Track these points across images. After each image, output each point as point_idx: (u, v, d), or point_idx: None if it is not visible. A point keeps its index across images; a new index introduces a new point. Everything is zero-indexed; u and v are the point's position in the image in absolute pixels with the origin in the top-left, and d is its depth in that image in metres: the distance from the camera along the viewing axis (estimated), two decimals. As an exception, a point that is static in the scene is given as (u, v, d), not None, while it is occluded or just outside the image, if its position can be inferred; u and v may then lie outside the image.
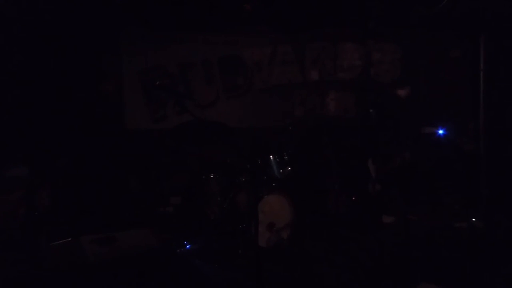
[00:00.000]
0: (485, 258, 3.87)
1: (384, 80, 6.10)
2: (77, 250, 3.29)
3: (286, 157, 4.56)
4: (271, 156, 4.55)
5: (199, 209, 4.48)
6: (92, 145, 5.02)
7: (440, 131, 5.44)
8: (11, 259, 3.18)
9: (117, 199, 4.90)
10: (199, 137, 4.55)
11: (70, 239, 3.40)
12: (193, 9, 5.39)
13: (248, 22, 5.64)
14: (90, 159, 4.97)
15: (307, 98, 6.02)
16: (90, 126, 5.13)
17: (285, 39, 5.96)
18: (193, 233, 4.31)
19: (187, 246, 4.00)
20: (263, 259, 3.66)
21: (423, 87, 5.93)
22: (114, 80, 5.45)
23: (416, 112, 5.84)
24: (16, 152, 4.46)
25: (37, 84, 4.92)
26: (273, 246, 4.15)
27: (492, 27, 5.17)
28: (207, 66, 5.80)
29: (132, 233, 3.67)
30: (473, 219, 4.77)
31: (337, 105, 6.08)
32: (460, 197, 5.09)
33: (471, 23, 5.32)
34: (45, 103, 4.95)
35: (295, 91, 6.02)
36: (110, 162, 5.08)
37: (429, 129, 5.56)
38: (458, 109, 5.71)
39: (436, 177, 5.38)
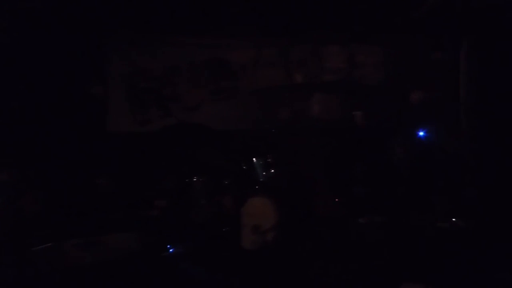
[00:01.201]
0: (467, 258, 3.92)
1: (368, 82, 6.16)
2: (60, 254, 3.28)
3: (270, 160, 4.58)
4: (254, 159, 4.57)
5: (183, 212, 4.48)
6: (75, 148, 4.99)
7: (423, 133, 5.52)
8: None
9: (100, 202, 4.87)
10: (183, 140, 4.56)
11: (53, 243, 3.39)
12: (178, 12, 5.39)
13: (233, 25, 5.64)
14: (73, 162, 4.94)
15: (292, 101, 6.05)
16: (74, 129, 5.10)
17: (270, 41, 5.99)
18: (178, 236, 4.30)
19: (170, 250, 3.99)
20: (248, 262, 3.68)
21: (405, 89, 6.00)
22: (99, 83, 5.42)
23: (399, 114, 5.91)
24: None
25: (21, 87, 4.88)
26: (258, 249, 4.15)
27: (472, 30, 5.25)
28: (193, 69, 5.80)
29: (115, 237, 3.66)
30: (456, 219, 4.83)
31: (321, 108, 6.10)
32: (443, 198, 5.14)
33: (451, 27, 5.39)
34: (28, 106, 4.92)
35: (280, 93, 6.04)
36: (93, 165, 5.06)
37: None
38: (440, 111, 5.77)
39: (419, 177, 5.43)
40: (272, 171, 4.55)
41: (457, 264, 3.76)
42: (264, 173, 4.55)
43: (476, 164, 5.27)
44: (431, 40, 5.84)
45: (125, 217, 4.64)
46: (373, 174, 5.28)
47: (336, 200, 5.06)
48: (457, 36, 5.43)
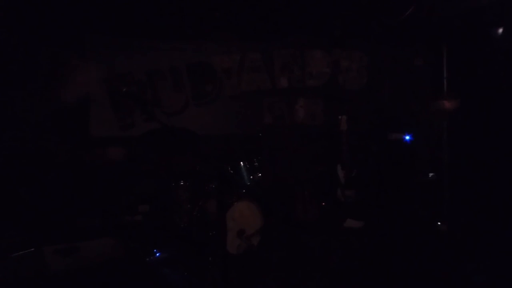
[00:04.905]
0: (449, 260, 3.97)
1: (351, 87, 6.21)
2: (39, 261, 3.18)
3: (257, 164, 4.56)
4: (241, 163, 4.54)
5: (168, 217, 4.41)
6: (56, 152, 4.89)
7: (406, 137, 5.58)
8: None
9: (83, 208, 4.77)
10: (167, 144, 4.50)
11: (32, 249, 3.28)
12: (161, 16, 5.35)
13: (216, 29, 5.63)
14: (54, 167, 4.83)
15: (276, 105, 6.06)
16: (55, 134, 5.00)
17: (254, 46, 6.00)
18: (162, 241, 4.23)
19: (157, 254, 3.92)
20: (233, 266, 3.65)
21: (388, 94, 6.07)
22: (80, 87, 5.33)
23: (382, 118, 5.96)
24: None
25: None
26: (244, 253, 4.12)
27: (453, 36, 5.33)
28: (176, 73, 5.76)
29: (95, 243, 3.57)
30: (438, 223, 4.88)
31: (305, 112, 6.13)
32: (425, 202, 5.20)
33: (433, 33, 5.47)
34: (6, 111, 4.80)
35: (264, 98, 6.05)
36: (75, 170, 4.96)
37: (395, 136, 5.70)
38: (422, 116, 5.84)
39: (401, 182, 5.48)
40: (259, 174, 4.53)
41: (438, 266, 3.81)
42: (251, 177, 4.51)
43: (456, 168, 5.34)
44: (413, 46, 5.92)
45: (108, 222, 4.56)
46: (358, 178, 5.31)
47: (323, 204, 5.07)
48: (438, 42, 5.50)
